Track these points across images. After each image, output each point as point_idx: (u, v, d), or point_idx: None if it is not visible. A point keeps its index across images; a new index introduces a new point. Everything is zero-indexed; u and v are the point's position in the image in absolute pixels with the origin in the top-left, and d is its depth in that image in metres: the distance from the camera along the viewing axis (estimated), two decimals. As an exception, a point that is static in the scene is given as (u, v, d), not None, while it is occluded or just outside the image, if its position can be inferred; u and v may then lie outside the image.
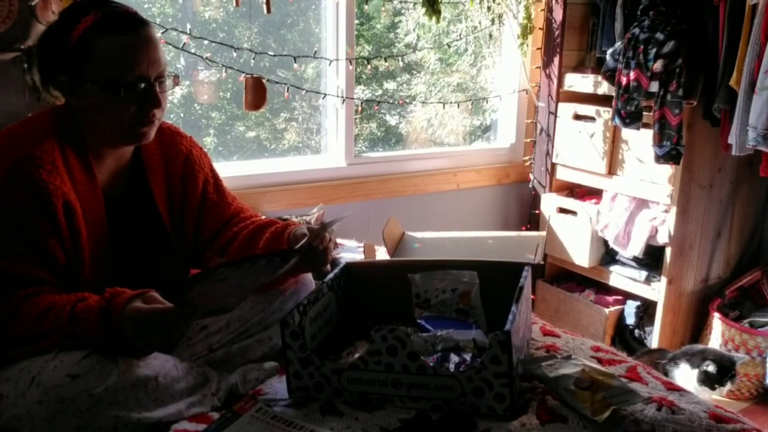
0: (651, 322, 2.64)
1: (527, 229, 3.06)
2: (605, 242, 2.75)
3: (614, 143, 2.64)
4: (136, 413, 1.14)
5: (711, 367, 2.16)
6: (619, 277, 2.71)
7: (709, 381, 2.18)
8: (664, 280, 2.55)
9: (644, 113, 2.39)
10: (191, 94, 2.40)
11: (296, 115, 2.64)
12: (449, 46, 2.87)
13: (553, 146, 2.89)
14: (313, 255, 1.38)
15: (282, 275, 1.37)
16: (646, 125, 2.41)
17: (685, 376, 2.21)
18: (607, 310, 2.71)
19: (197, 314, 1.15)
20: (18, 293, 1.19)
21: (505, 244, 2.00)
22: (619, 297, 2.78)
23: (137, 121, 1.28)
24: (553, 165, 2.92)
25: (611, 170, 2.67)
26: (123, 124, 1.28)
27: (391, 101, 2.83)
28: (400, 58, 2.68)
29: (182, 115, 2.41)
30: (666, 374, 2.17)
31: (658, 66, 2.29)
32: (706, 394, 2.15)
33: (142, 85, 1.26)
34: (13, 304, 1.18)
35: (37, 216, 1.21)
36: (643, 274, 2.64)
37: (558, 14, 2.80)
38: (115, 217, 1.36)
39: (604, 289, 2.85)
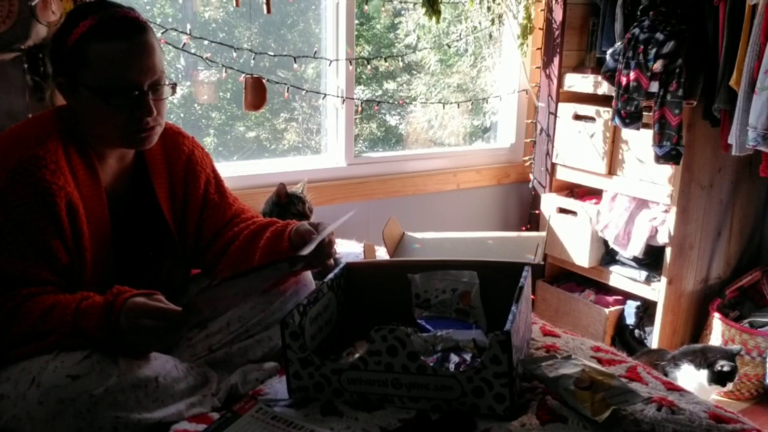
0: (651, 322, 2.64)
1: (527, 229, 3.06)
2: (605, 242, 2.75)
3: (614, 143, 2.64)
4: (137, 414, 1.14)
5: (726, 367, 2.17)
6: (619, 277, 2.71)
7: (722, 379, 2.18)
8: (664, 280, 2.55)
9: (644, 113, 2.39)
10: (191, 94, 2.40)
11: (296, 115, 2.64)
12: (449, 47, 2.87)
13: (553, 146, 2.89)
14: (317, 250, 1.37)
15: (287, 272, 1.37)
16: (646, 125, 2.41)
17: (689, 376, 2.20)
18: (607, 310, 2.71)
19: (200, 317, 1.15)
20: (21, 292, 1.19)
21: (505, 245, 2.00)
22: (619, 297, 2.78)
23: (132, 128, 1.28)
24: (553, 165, 2.92)
25: (611, 170, 2.67)
26: (116, 130, 1.27)
27: (391, 101, 2.83)
28: (400, 59, 2.68)
29: (182, 115, 2.41)
30: (666, 375, 2.17)
31: (658, 66, 2.29)
32: (706, 395, 2.15)
33: (135, 92, 1.25)
34: (15, 303, 1.18)
35: (40, 216, 1.21)
36: (643, 274, 2.64)
37: (558, 14, 2.80)
38: (117, 217, 1.36)
39: (604, 289, 2.85)
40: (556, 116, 2.86)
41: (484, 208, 3.07)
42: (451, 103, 2.91)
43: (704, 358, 2.22)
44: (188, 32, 2.10)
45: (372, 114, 2.83)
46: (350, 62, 2.52)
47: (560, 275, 3.03)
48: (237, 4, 2.15)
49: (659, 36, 2.29)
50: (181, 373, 1.25)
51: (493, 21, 2.84)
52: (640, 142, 2.53)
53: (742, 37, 2.16)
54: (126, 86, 1.24)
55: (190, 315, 1.11)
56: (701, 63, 2.31)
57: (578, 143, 2.76)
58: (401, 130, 2.97)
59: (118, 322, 1.13)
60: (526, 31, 2.85)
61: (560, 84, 2.83)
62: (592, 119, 2.70)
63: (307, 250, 1.31)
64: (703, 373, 2.20)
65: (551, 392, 1.25)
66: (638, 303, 2.71)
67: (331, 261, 1.44)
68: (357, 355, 1.31)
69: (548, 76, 2.88)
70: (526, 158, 3.09)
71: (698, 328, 2.71)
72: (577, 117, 2.76)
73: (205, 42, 2.18)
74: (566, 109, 2.80)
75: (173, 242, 1.46)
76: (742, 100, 2.14)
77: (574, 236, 2.81)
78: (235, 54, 2.21)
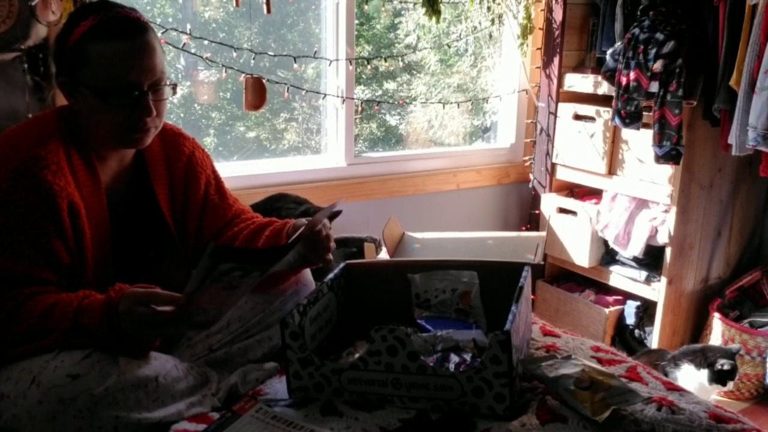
0: (651, 322, 2.64)
1: (527, 229, 3.06)
2: (605, 242, 2.75)
3: (614, 143, 2.64)
4: (137, 413, 1.14)
5: (727, 366, 2.17)
6: (619, 277, 2.71)
7: (722, 378, 2.18)
8: (664, 280, 2.55)
9: (644, 113, 2.39)
10: (191, 94, 2.40)
11: (296, 115, 2.64)
12: (449, 47, 2.87)
13: (553, 146, 2.89)
14: (315, 242, 1.37)
15: (286, 270, 1.37)
16: (646, 125, 2.41)
17: (689, 376, 2.21)
18: (607, 310, 2.71)
19: (206, 317, 1.15)
20: (23, 291, 1.19)
21: (505, 244, 2.01)
22: (619, 297, 2.78)
23: (129, 127, 1.28)
24: (553, 165, 2.92)
25: (611, 170, 2.67)
26: (115, 129, 1.28)
27: (391, 101, 2.83)
28: (400, 59, 2.68)
29: (182, 115, 2.41)
30: (666, 375, 2.17)
31: (658, 66, 2.29)
32: (706, 394, 2.15)
33: (135, 92, 1.25)
34: (17, 302, 1.18)
35: (41, 216, 1.21)
36: (643, 274, 2.64)
37: (558, 14, 2.80)
38: (117, 217, 1.36)
39: (604, 289, 2.85)
40: (556, 116, 2.86)
41: (484, 208, 3.07)
42: (451, 103, 2.91)
43: (704, 358, 2.22)
44: (188, 32, 2.10)
45: (372, 114, 2.83)
46: (350, 62, 2.52)
47: (560, 275, 3.03)
48: (237, 4, 2.15)
49: (659, 36, 2.29)
50: (181, 373, 1.25)
51: (493, 21, 2.84)
52: (640, 142, 2.53)
53: (742, 37, 2.16)
54: (126, 86, 1.24)
55: (191, 306, 1.10)
56: (701, 63, 2.31)
57: (578, 143, 2.76)
58: (401, 130, 2.97)
59: (118, 315, 1.13)
60: (526, 31, 2.85)
61: (560, 84, 2.83)
62: (592, 119, 2.70)
63: (298, 232, 1.29)
64: (704, 373, 2.20)
65: (551, 392, 1.25)
66: (638, 303, 2.71)
67: (330, 257, 1.43)
68: (357, 355, 1.31)
69: (548, 76, 2.88)
70: (526, 158, 3.09)
71: (698, 328, 2.71)
72: (577, 117, 2.76)
73: (205, 42, 2.18)
74: (566, 109, 2.80)
75: (173, 242, 1.46)
76: (742, 100, 2.14)
77: (574, 236, 2.81)
78: (235, 54, 2.21)
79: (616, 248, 2.68)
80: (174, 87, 1.34)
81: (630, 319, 2.70)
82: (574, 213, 2.81)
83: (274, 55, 2.40)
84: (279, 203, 2.15)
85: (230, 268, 1.07)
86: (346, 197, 2.59)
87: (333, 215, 1.43)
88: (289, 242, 1.31)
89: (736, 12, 2.19)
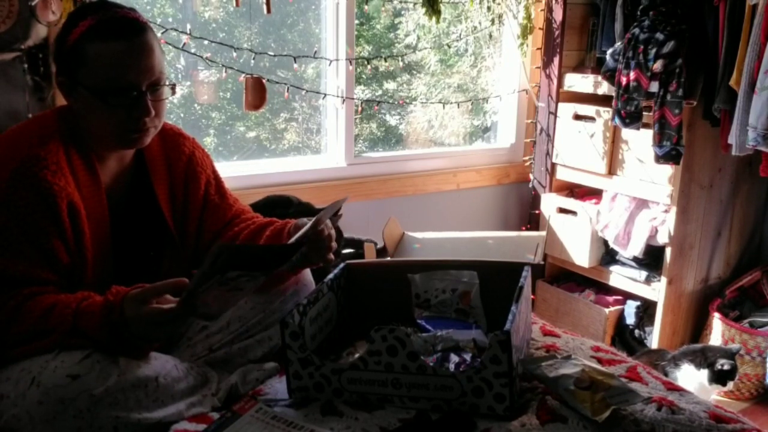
0: (651, 322, 2.64)
1: (527, 229, 3.06)
2: (605, 242, 2.75)
3: (614, 143, 2.64)
4: (137, 414, 1.14)
5: (727, 366, 2.17)
6: (619, 277, 2.71)
7: (722, 378, 2.18)
8: (664, 280, 2.55)
9: (644, 113, 2.39)
10: (191, 94, 2.40)
11: (296, 115, 2.64)
12: (449, 47, 2.87)
13: (553, 146, 2.90)
14: (317, 242, 1.36)
15: (287, 270, 1.37)
16: (646, 125, 2.41)
17: (689, 376, 2.21)
18: (607, 310, 2.71)
19: (208, 310, 1.15)
20: (22, 292, 1.19)
21: (505, 244, 2.01)
22: (619, 297, 2.78)
23: (128, 128, 1.28)
24: (553, 165, 2.92)
25: (611, 170, 2.67)
26: (113, 129, 1.28)
27: (391, 101, 2.83)
28: (400, 59, 2.68)
29: (182, 115, 2.41)
30: (666, 375, 2.17)
31: (658, 66, 2.29)
32: (706, 394, 2.15)
33: (133, 93, 1.25)
34: (17, 302, 1.18)
35: (41, 217, 1.21)
36: (643, 274, 2.64)
37: (558, 14, 2.80)
38: (117, 217, 1.36)
39: (604, 289, 2.85)
40: (556, 116, 2.86)
41: (484, 208, 3.07)
42: (451, 103, 2.91)
43: (704, 358, 2.22)
44: (188, 32, 2.10)
45: (372, 114, 2.83)
46: (350, 62, 2.52)
47: (560, 275, 3.03)
48: (237, 4, 2.15)
49: (659, 36, 2.29)
50: (181, 373, 1.25)
51: (493, 21, 2.84)
52: (640, 142, 2.53)
53: (742, 37, 2.16)
54: (124, 86, 1.24)
55: (197, 300, 1.10)
56: (701, 63, 2.31)
57: (578, 143, 2.76)
58: (401, 130, 2.97)
59: (121, 318, 1.13)
60: (526, 31, 2.85)
61: (560, 84, 2.83)
62: (592, 119, 2.70)
63: (302, 231, 1.30)
64: (704, 373, 2.20)
65: (551, 392, 1.25)
66: (638, 303, 2.71)
67: (332, 256, 1.42)
68: (357, 355, 1.31)
69: (548, 76, 2.88)
70: (526, 158, 3.09)
71: (698, 328, 2.71)
72: (577, 117, 2.76)
73: (205, 42, 2.18)
74: (566, 109, 2.80)
75: (173, 243, 1.46)
76: (742, 100, 2.14)
77: (574, 236, 2.81)
78: (235, 54, 2.21)
79: (616, 248, 2.68)
80: (173, 87, 1.34)
81: (630, 319, 2.70)
82: (574, 213, 2.81)
83: (274, 55, 2.40)
84: (280, 209, 2.14)
85: (237, 275, 1.08)
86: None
87: (336, 215, 1.43)
88: (296, 241, 1.31)
89: (736, 12, 2.19)
